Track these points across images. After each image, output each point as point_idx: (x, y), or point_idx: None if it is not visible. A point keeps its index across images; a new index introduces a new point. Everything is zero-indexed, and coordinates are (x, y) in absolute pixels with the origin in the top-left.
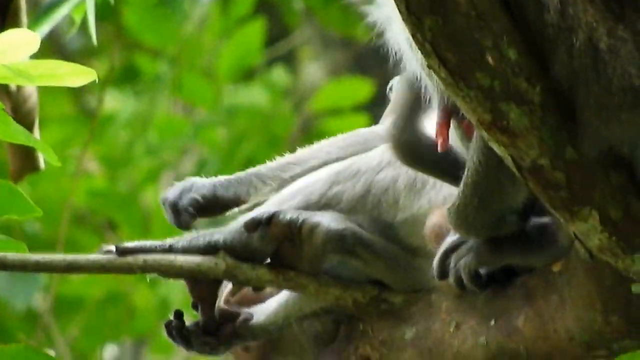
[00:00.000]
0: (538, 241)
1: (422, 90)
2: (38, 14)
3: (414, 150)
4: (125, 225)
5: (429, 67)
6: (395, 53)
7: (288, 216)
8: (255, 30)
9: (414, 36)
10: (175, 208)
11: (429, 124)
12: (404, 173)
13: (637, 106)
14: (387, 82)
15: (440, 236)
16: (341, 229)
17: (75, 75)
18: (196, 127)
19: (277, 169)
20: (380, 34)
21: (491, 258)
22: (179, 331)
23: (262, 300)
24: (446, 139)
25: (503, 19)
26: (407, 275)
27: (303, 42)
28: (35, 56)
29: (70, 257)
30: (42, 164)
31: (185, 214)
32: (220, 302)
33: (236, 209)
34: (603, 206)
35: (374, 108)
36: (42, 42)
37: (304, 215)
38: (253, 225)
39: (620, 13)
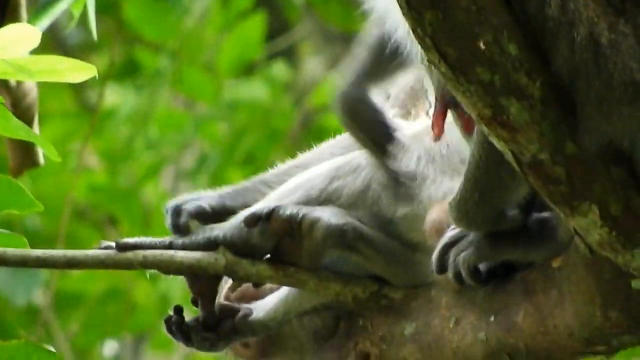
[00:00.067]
0: (538, 236)
1: (391, 54)
2: (38, 9)
3: (355, 110)
4: (126, 221)
5: (429, 61)
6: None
7: (288, 211)
8: (256, 25)
9: (414, 31)
10: (177, 212)
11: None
12: (404, 169)
13: (638, 100)
14: None
15: (440, 231)
16: (341, 224)
17: (75, 70)
18: (197, 121)
19: (282, 174)
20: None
21: (491, 253)
22: (178, 327)
23: (261, 296)
24: (441, 129)
25: (503, 13)
26: (407, 270)
27: (303, 36)
28: (35, 51)
29: (70, 252)
30: (41, 160)
31: (186, 217)
32: (220, 298)
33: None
34: (603, 201)
35: None
36: (42, 37)
37: (304, 210)
38: (253, 221)
39: (621, 8)
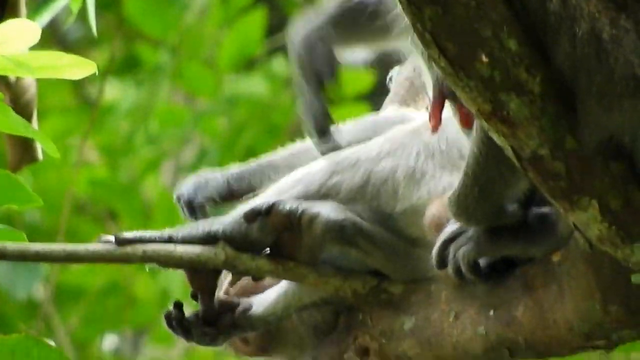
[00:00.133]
0: (538, 231)
1: (371, 16)
2: (37, 4)
3: (311, 46)
4: (126, 215)
5: (429, 56)
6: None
7: (287, 206)
8: (256, 20)
9: (413, 26)
10: (191, 206)
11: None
12: (404, 164)
13: (639, 94)
14: (388, 72)
15: (440, 226)
16: (341, 219)
17: (75, 66)
18: (196, 116)
19: (288, 157)
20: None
21: (491, 248)
22: (178, 322)
23: (261, 291)
24: (438, 121)
25: (503, 8)
26: (406, 265)
27: None
28: (35, 47)
29: (69, 247)
30: (40, 155)
31: (202, 212)
32: (220, 293)
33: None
34: (603, 196)
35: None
36: (42, 32)
37: (303, 205)
38: (252, 216)
39: (622, 3)
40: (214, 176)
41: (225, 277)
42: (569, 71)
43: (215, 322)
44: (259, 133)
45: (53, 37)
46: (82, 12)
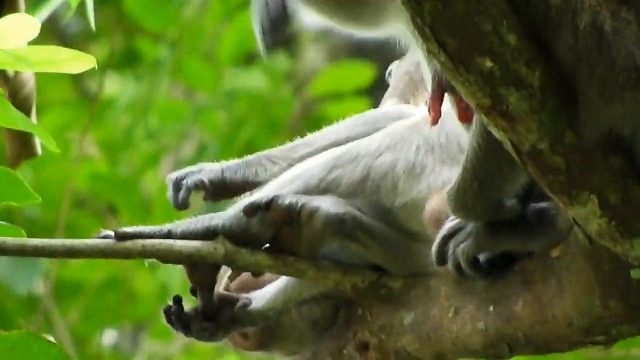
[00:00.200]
0: (537, 226)
1: None
2: None
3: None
4: (126, 210)
5: (429, 51)
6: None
7: (287, 200)
8: None
9: (413, 20)
10: (177, 185)
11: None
12: (403, 158)
13: None
14: (387, 67)
15: (439, 221)
16: (341, 213)
17: (74, 61)
18: (196, 111)
19: (286, 150)
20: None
21: (490, 243)
22: (178, 317)
23: (260, 286)
24: (438, 114)
25: (502, 3)
26: (406, 260)
27: (303, 26)
28: (34, 41)
29: (68, 242)
30: (39, 150)
31: (185, 192)
32: (219, 288)
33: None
34: (602, 190)
35: (374, 92)
36: (41, 27)
37: (303, 199)
38: (252, 210)
39: None
40: (209, 165)
41: (225, 273)
42: (570, 64)
43: (214, 317)
44: (258, 128)
45: (52, 32)
46: (82, 7)
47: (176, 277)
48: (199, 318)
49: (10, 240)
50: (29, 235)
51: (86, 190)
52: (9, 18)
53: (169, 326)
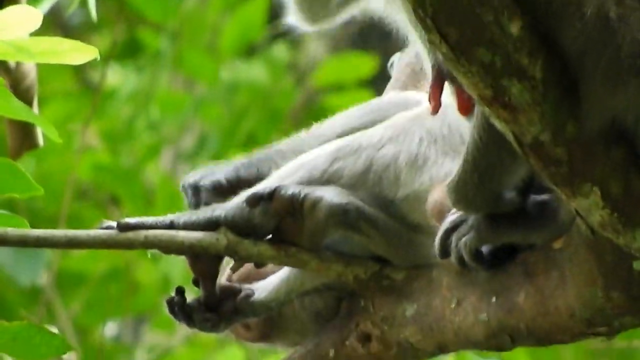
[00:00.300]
0: (539, 218)
1: None
2: None
3: None
4: (128, 201)
5: (430, 42)
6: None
7: (290, 191)
8: (257, 6)
9: (415, 11)
10: (196, 189)
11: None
12: (406, 150)
13: None
14: (389, 58)
15: (442, 212)
16: (344, 203)
17: (76, 52)
18: (197, 102)
19: (295, 144)
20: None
21: (492, 236)
22: (180, 307)
23: (263, 277)
24: (438, 103)
25: None
26: (408, 251)
27: None
28: (36, 32)
29: (71, 232)
30: (40, 141)
31: (206, 193)
32: (222, 279)
33: None
34: (604, 182)
35: (376, 83)
36: (43, 18)
37: (306, 190)
38: (255, 201)
39: None
40: (221, 165)
41: (227, 264)
42: (575, 53)
43: (217, 308)
44: (259, 119)
45: (54, 23)
46: None
47: (178, 268)
48: (201, 309)
49: (12, 230)
50: (32, 226)
51: (88, 181)
52: (11, 9)
53: (171, 317)
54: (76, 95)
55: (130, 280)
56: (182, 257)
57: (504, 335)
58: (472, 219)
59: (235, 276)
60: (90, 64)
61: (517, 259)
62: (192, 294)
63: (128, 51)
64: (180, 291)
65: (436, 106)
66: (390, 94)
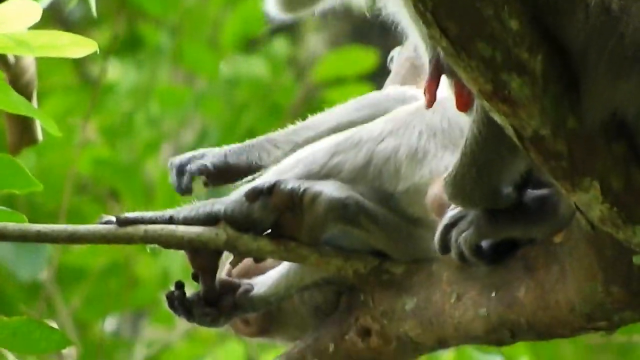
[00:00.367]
0: (539, 212)
1: None
2: None
3: None
4: (128, 195)
5: (430, 36)
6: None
7: (289, 185)
8: (258, 1)
9: (415, 6)
10: (180, 171)
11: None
12: (406, 143)
13: None
14: (389, 52)
15: (441, 206)
16: (344, 197)
17: (76, 46)
18: (197, 97)
19: (289, 134)
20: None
21: (492, 231)
22: (180, 302)
23: (262, 272)
24: (433, 96)
25: None
26: (408, 245)
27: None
28: (36, 26)
29: (71, 227)
30: (40, 136)
31: (188, 177)
32: (221, 274)
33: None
34: (604, 177)
35: (376, 78)
36: (43, 12)
37: (305, 184)
38: (254, 195)
39: None
40: (211, 150)
41: (227, 259)
42: (578, 46)
43: (216, 302)
44: (260, 114)
45: (54, 18)
46: None
47: (178, 262)
48: (201, 303)
49: (12, 225)
50: (31, 221)
51: (88, 175)
52: (11, 3)
53: (171, 312)
54: (76, 89)
55: (129, 275)
56: (182, 252)
57: (504, 329)
58: (471, 215)
59: (234, 271)
60: (90, 59)
61: (518, 254)
62: (191, 289)
63: (128, 46)
64: (180, 286)
65: (431, 100)
66: (389, 88)
